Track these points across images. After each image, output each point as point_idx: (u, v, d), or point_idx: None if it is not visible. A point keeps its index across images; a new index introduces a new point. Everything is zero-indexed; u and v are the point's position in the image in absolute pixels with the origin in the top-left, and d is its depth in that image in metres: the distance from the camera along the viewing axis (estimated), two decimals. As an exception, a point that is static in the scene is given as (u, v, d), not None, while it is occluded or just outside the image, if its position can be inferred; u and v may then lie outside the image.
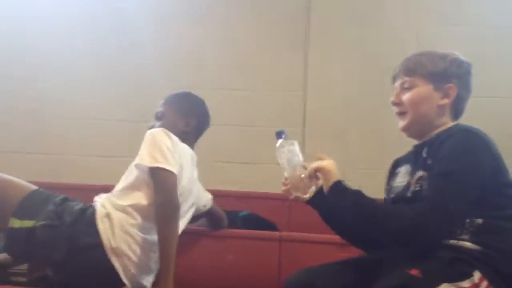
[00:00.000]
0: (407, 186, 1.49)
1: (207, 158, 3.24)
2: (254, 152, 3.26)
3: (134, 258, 1.74)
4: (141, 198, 1.80)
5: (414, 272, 1.26)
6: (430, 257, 1.31)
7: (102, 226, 1.73)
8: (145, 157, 1.79)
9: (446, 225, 1.33)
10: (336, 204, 1.47)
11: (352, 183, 3.22)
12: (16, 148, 3.34)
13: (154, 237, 1.76)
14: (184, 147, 1.97)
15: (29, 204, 1.76)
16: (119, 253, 1.72)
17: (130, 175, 1.85)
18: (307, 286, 1.44)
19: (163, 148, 1.80)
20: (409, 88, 1.53)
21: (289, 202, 2.81)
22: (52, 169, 3.23)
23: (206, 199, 2.15)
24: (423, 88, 1.51)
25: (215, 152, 3.24)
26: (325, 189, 1.47)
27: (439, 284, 1.25)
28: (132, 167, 1.85)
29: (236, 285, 1.96)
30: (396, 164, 1.63)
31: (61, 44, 3.42)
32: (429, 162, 1.42)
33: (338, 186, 1.46)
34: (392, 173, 1.62)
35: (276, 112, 3.30)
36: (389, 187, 1.60)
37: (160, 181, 1.77)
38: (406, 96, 1.53)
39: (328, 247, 1.96)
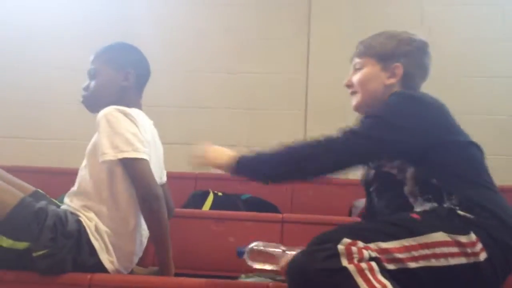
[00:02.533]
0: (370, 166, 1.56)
1: (210, 141, 3.25)
2: (257, 135, 3.25)
3: (129, 255, 1.72)
4: (118, 193, 1.66)
5: (414, 215, 1.34)
6: (430, 213, 1.35)
7: (97, 244, 1.64)
8: (107, 150, 1.62)
9: (354, 148, 1.40)
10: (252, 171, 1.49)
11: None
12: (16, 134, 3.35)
13: (134, 221, 1.69)
14: (143, 119, 1.78)
15: (17, 222, 1.57)
16: (116, 262, 1.69)
17: (96, 170, 1.68)
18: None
19: (123, 132, 1.62)
20: (359, 69, 1.60)
21: (291, 184, 2.85)
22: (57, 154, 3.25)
23: (163, 179, 1.94)
24: (371, 69, 1.58)
25: (217, 135, 3.24)
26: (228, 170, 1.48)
27: (436, 231, 1.29)
28: (92, 161, 1.70)
29: (238, 267, 1.96)
30: None
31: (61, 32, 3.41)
32: None
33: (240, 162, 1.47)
34: None
35: (278, 95, 3.28)
36: None
37: (133, 173, 1.63)
38: (355, 77, 1.60)
39: (329, 228, 1.96)
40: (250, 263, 1.54)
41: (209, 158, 1.52)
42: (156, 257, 1.70)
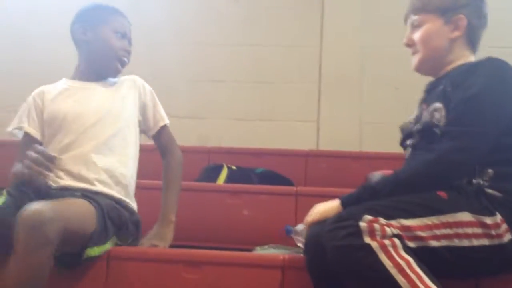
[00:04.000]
0: (418, 118, 1.47)
1: (221, 115, 3.25)
2: (269, 108, 3.23)
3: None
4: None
5: (441, 193, 1.30)
6: (457, 190, 1.31)
7: (135, 205, 1.76)
8: (164, 116, 1.82)
9: (475, 151, 1.31)
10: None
11: (368, 138, 3.21)
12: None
13: None
14: None
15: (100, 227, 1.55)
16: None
17: (129, 132, 1.76)
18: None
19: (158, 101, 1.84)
20: (418, 26, 1.51)
21: (305, 157, 2.85)
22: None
23: None
24: (432, 24, 1.49)
25: (228, 109, 3.23)
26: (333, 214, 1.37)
27: (461, 211, 1.27)
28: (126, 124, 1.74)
29: (252, 240, 1.98)
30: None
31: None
32: (448, 89, 1.40)
33: (345, 201, 1.40)
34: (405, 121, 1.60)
35: (291, 68, 3.25)
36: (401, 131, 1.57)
37: (173, 138, 1.83)
38: (416, 35, 1.52)
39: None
40: (297, 242, 1.54)
41: (317, 216, 1.43)
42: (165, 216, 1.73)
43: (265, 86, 3.26)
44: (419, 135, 1.45)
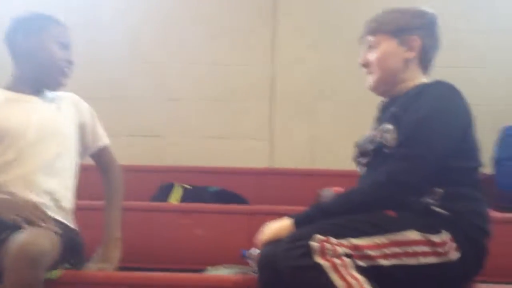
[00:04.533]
0: (370, 138, 1.49)
1: (174, 133, 3.22)
2: (224, 126, 3.22)
3: None
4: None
5: (390, 212, 1.32)
6: (406, 209, 1.34)
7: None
8: (104, 134, 1.77)
9: (423, 172, 1.33)
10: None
11: (322, 158, 3.23)
12: None
13: None
14: None
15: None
16: None
17: (75, 155, 1.70)
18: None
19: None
20: (374, 47, 1.53)
21: (259, 176, 2.85)
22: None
23: None
24: (387, 44, 1.51)
25: (182, 127, 3.20)
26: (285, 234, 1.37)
27: (409, 229, 1.29)
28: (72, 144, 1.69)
29: (204, 260, 1.95)
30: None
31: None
32: (398, 113, 1.42)
33: (297, 220, 1.39)
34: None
35: (245, 86, 3.26)
36: (355, 146, 1.58)
37: (113, 158, 1.79)
38: (371, 55, 1.53)
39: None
40: (253, 265, 1.52)
41: (269, 236, 1.42)
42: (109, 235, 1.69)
43: (220, 104, 3.25)
44: (372, 154, 1.47)
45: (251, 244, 2.07)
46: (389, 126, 1.42)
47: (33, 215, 1.45)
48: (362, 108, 3.13)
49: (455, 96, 1.41)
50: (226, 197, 2.59)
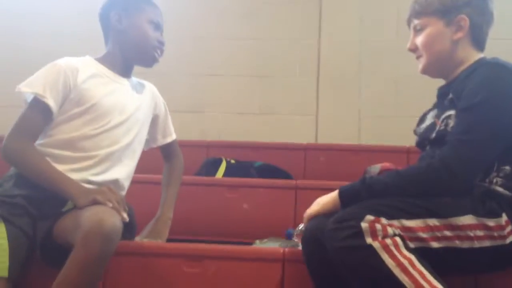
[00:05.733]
0: (432, 126, 1.46)
1: (221, 109, 3.25)
2: (268, 102, 3.23)
3: None
4: None
5: (445, 199, 1.29)
6: (463, 193, 1.31)
7: None
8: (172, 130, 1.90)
9: (475, 161, 1.30)
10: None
11: (367, 131, 3.21)
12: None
13: None
14: None
15: None
16: None
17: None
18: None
19: None
20: (421, 30, 1.49)
21: (304, 151, 2.85)
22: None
23: None
24: (433, 27, 1.47)
25: (227, 103, 3.23)
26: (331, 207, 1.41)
27: (464, 214, 1.27)
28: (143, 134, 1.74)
29: (251, 233, 1.98)
30: (425, 113, 1.58)
31: None
32: (455, 98, 1.39)
33: (343, 194, 1.40)
34: (420, 120, 1.58)
35: (290, 62, 3.24)
36: (416, 133, 1.57)
37: (178, 150, 1.89)
38: (418, 39, 1.50)
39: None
40: (299, 244, 1.54)
41: (316, 210, 1.44)
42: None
43: (264, 80, 3.26)
44: (434, 142, 1.43)
45: (296, 217, 2.10)
46: (450, 112, 1.40)
47: (110, 195, 1.46)
48: (408, 84, 3.11)
49: (506, 77, 1.36)
50: (271, 172, 2.61)
